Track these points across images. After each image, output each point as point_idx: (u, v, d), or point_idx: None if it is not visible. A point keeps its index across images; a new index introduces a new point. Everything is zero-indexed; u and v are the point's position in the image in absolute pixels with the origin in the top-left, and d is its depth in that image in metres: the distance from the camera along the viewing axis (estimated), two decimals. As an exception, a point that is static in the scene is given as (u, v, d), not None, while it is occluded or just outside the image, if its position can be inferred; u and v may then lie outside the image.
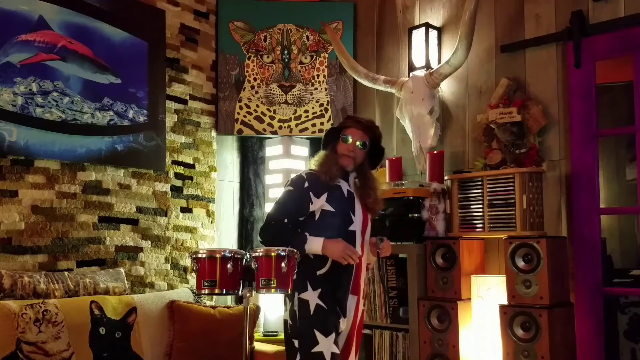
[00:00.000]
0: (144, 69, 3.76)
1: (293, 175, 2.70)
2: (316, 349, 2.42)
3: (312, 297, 2.48)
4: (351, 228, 2.57)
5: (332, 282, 2.52)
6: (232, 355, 3.12)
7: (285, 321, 2.59)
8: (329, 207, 2.54)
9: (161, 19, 3.88)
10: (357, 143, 2.60)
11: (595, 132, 3.10)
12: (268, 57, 4.22)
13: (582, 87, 3.13)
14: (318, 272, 2.51)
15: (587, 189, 3.08)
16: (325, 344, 2.43)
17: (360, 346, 3.45)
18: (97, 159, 3.47)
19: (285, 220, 2.52)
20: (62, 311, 2.88)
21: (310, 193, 2.53)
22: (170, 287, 3.79)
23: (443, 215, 3.41)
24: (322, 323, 2.46)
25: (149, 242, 3.72)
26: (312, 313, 2.47)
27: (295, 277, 2.38)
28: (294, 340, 2.50)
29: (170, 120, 3.90)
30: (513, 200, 3.07)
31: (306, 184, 2.55)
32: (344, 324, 2.55)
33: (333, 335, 2.46)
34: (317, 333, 2.43)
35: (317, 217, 2.56)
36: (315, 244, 2.46)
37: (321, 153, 2.67)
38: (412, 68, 3.78)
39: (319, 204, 2.54)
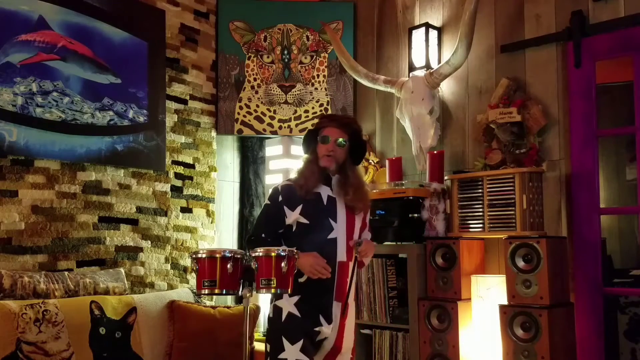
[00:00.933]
0: (144, 69, 3.76)
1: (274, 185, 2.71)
2: (281, 356, 2.46)
3: (286, 304, 2.51)
4: (331, 236, 2.53)
5: (314, 289, 2.51)
6: (232, 355, 3.12)
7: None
8: (303, 220, 2.53)
9: (161, 19, 3.88)
10: (338, 141, 2.56)
11: (595, 132, 3.10)
12: (268, 57, 4.22)
13: (582, 87, 3.13)
14: (299, 280, 2.50)
15: (587, 189, 3.08)
16: (291, 351, 2.45)
17: (361, 346, 3.48)
18: (97, 159, 3.47)
19: (263, 235, 2.55)
20: (62, 311, 2.88)
21: (285, 207, 2.54)
22: (170, 287, 3.79)
23: (443, 215, 3.41)
24: (290, 331, 2.48)
25: (149, 242, 3.72)
26: (282, 320, 2.51)
27: None
28: (266, 344, 2.56)
29: (170, 120, 3.90)
30: (513, 200, 3.07)
31: (280, 198, 2.56)
32: (329, 330, 2.54)
33: (300, 342, 2.46)
34: (284, 340, 2.47)
35: (294, 229, 2.56)
36: None
37: (303, 159, 2.65)
38: (412, 68, 3.78)
39: (293, 217, 2.54)
